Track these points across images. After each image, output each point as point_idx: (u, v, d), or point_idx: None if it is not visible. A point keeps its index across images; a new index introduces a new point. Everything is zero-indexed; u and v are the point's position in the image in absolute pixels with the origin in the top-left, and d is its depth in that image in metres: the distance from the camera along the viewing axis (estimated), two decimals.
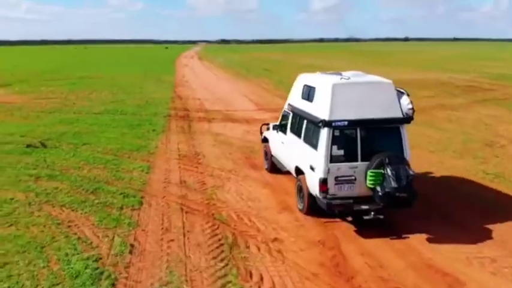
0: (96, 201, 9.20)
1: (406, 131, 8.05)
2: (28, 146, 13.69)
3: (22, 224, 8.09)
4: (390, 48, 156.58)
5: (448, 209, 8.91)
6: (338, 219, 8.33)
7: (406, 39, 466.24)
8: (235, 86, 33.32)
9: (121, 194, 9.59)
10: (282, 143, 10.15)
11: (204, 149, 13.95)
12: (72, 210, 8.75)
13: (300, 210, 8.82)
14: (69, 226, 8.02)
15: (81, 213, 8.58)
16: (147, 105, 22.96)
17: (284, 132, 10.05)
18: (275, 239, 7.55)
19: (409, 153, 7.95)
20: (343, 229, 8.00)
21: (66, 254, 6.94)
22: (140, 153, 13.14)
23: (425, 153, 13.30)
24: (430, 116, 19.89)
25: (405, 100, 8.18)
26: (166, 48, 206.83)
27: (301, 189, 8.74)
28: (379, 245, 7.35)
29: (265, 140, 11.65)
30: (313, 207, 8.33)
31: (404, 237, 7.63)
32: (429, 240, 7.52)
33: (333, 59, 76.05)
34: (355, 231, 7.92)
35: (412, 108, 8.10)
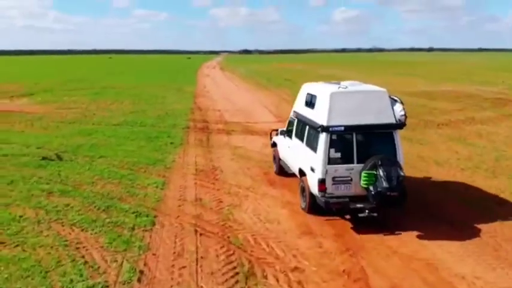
0: (108, 220, 8.78)
1: (399, 135, 8.80)
2: (43, 158, 13.47)
3: (29, 245, 7.71)
4: (414, 58, 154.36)
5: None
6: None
7: (431, 50, 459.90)
8: (255, 97, 32.90)
9: (134, 212, 9.15)
10: (288, 147, 10.93)
11: (222, 163, 13.47)
12: (82, 230, 8.34)
13: (302, 209, 9.50)
14: (77, 248, 7.59)
15: (91, 234, 8.16)
16: (167, 117, 22.69)
17: (290, 137, 10.82)
18: (295, 268, 6.94)
19: (402, 157, 8.68)
20: (371, 258, 7.33)
21: (71, 281, 6.50)
22: (156, 168, 12.73)
23: (456, 172, 12.50)
24: (459, 130, 19.00)
25: (398, 107, 8.91)
26: (189, 58, 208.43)
27: (303, 190, 9.44)
28: (408, 277, 6.66)
29: (274, 145, 12.47)
30: (314, 206, 9.04)
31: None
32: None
33: (355, 69, 75.14)
34: (382, 259, 7.25)
35: (405, 115, 8.82)
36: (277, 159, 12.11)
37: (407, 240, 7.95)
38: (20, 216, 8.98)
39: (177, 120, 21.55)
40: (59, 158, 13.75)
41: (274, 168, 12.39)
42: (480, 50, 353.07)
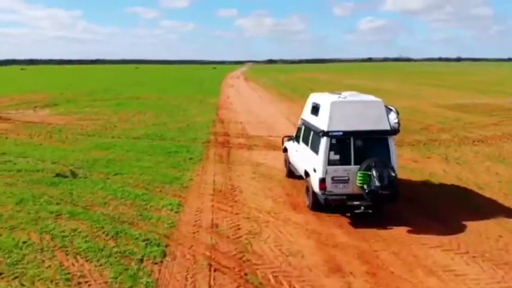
0: (115, 249, 8.05)
1: (393, 141, 9.74)
2: (57, 175, 12.96)
3: (28, 277, 7.04)
4: (442, 68, 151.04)
5: None
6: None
7: (459, 59, 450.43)
8: (278, 108, 32.08)
9: (144, 240, 8.40)
10: (296, 151, 12.01)
11: (242, 182, 12.66)
12: (87, 261, 7.63)
13: (307, 206, 10.43)
14: (78, 283, 6.88)
15: (96, 266, 7.43)
16: (188, 129, 22.10)
17: (298, 142, 11.88)
18: None
19: (395, 160, 9.61)
20: None
21: None
22: (173, 187, 12.01)
23: (499, 197, 11.30)
24: (497, 147, 17.67)
25: (392, 116, 9.86)
26: (214, 68, 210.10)
27: (308, 189, 10.47)
28: None
29: (285, 150, 13.56)
30: (317, 204, 9.96)
31: None
32: None
33: (382, 80, 73.56)
34: None
35: (398, 123, 9.81)
36: (287, 163, 13.20)
37: None
38: (24, 242, 8.36)
39: (198, 133, 20.91)
40: (73, 174, 13.21)
41: (285, 171, 13.42)
42: (510, 59, 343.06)
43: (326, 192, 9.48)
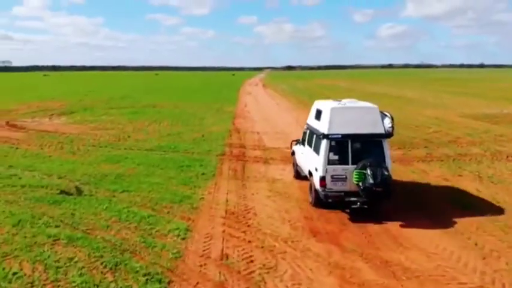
0: (113, 285, 7.19)
1: (388, 144, 10.72)
2: (61, 192, 12.24)
3: None
4: (464, 75, 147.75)
5: None
6: None
7: (482, 66, 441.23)
8: (296, 117, 31.05)
9: (145, 275, 7.51)
10: (302, 153, 13.03)
11: (257, 202, 11.71)
12: None
13: (310, 203, 11.38)
14: None
15: None
16: (202, 141, 21.30)
17: (303, 145, 12.90)
18: None
19: (389, 161, 10.48)
20: None
21: None
22: (182, 207, 11.13)
23: None
24: None
25: (387, 121, 10.70)
26: (233, 75, 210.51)
27: (311, 187, 11.43)
28: None
29: (293, 153, 14.58)
30: (319, 200, 10.83)
31: None
32: None
33: (403, 87, 71.85)
34: None
35: (392, 127, 10.65)
36: (295, 165, 14.26)
37: None
38: (14, 274, 7.58)
39: (213, 144, 20.08)
40: (79, 191, 12.47)
41: (293, 172, 14.45)
42: None
43: (326, 189, 10.50)
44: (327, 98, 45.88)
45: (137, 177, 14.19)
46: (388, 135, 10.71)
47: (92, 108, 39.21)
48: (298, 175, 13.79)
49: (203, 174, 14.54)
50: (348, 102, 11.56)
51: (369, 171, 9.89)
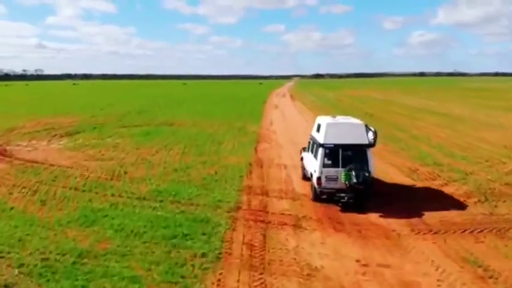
0: None
1: (371, 152, 13.82)
2: None
3: None
4: (502, 85, 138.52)
5: None
6: None
7: None
8: None
9: None
10: (306, 158, 16.41)
11: None
12: None
13: (310, 199, 14.21)
14: None
15: None
16: (214, 182, 16.74)
17: (307, 151, 16.33)
18: None
19: (373, 165, 13.59)
20: None
21: None
22: None
23: None
24: None
25: (370, 134, 13.87)
26: (261, 84, 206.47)
27: (312, 185, 14.31)
28: None
29: (302, 159, 17.55)
30: (316, 196, 13.85)
31: None
32: None
33: (444, 100, 65.59)
34: None
35: (374, 139, 13.73)
36: (302, 169, 16.98)
37: None
38: None
39: (226, 189, 15.48)
40: None
41: (301, 174, 17.18)
42: None
43: (321, 187, 13.54)
44: (365, 115, 39.87)
45: (105, 260, 9.63)
46: (371, 145, 13.65)
47: (102, 127, 35.44)
48: (304, 176, 16.59)
49: (203, 255, 9.84)
50: (341, 118, 15.41)
51: (353, 173, 12.78)
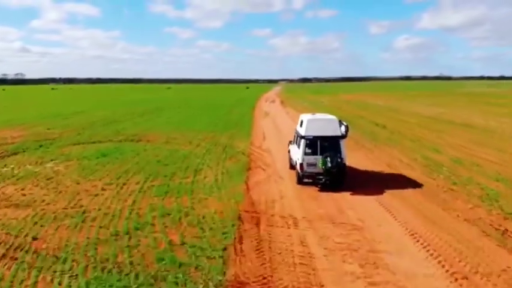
0: None
1: (344, 142, 16.35)
2: None
3: None
4: (496, 88, 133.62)
5: None
6: None
7: (502, 78, 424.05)
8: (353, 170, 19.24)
9: None
10: (292, 150, 18.87)
11: None
12: None
13: (295, 182, 16.87)
14: None
15: None
16: (176, 270, 9.52)
17: (293, 143, 19.03)
18: None
19: (345, 153, 16.11)
20: None
21: None
22: None
23: None
24: None
25: (343, 128, 16.56)
26: (248, 88, 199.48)
27: (296, 172, 16.94)
28: None
29: (289, 151, 19.95)
30: (299, 179, 16.55)
31: None
32: None
33: (453, 106, 59.30)
34: None
35: (346, 132, 16.57)
36: (290, 158, 19.41)
37: None
38: None
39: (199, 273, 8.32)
40: None
41: (288, 164, 19.67)
42: None
43: (304, 171, 16.22)
44: (377, 126, 36.90)
45: None
46: (343, 136, 16.45)
47: (51, 144, 28.06)
48: (292, 166, 18.76)
49: None
50: (319, 115, 18.72)
51: (328, 159, 15.62)
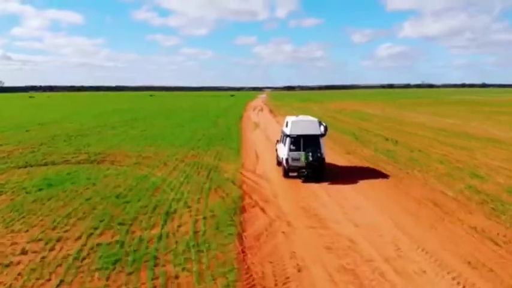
0: None
1: (323, 140, 18.89)
2: None
3: None
4: (485, 96, 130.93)
5: None
6: None
7: (484, 85, 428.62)
8: (386, 216, 13.82)
9: None
10: (279, 148, 21.22)
11: None
12: None
13: (282, 176, 19.07)
14: None
15: None
16: None
17: (280, 142, 21.19)
18: None
19: (324, 149, 18.64)
20: None
21: None
22: None
23: None
24: None
25: (322, 128, 18.99)
26: (233, 96, 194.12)
27: (283, 166, 19.15)
28: None
29: (276, 150, 22.12)
30: (285, 173, 18.84)
31: None
32: None
33: (460, 117, 54.70)
34: None
35: (325, 131, 19.09)
36: (277, 156, 21.58)
37: None
38: None
39: None
40: None
41: (275, 161, 22.03)
42: None
43: (289, 165, 18.50)
44: (384, 139, 30.96)
45: None
46: (323, 135, 18.89)
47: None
48: (279, 162, 20.84)
49: None
50: (301, 117, 20.86)
51: (310, 154, 17.94)
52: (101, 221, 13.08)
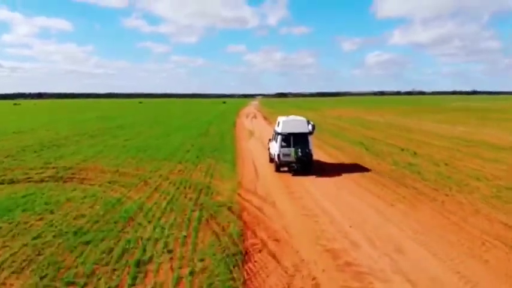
0: None
1: (311, 138, 20.75)
2: None
3: None
4: (482, 103, 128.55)
5: None
6: None
7: (474, 93, 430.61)
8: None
9: None
10: (271, 145, 22.89)
11: None
12: None
13: (274, 170, 20.95)
14: None
15: None
16: None
17: (272, 140, 22.94)
18: None
19: (312, 145, 20.61)
20: None
21: None
22: None
23: None
24: None
25: (310, 126, 20.74)
26: (224, 102, 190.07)
27: (275, 162, 21.04)
28: None
29: (269, 148, 23.96)
30: (277, 167, 20.74)
31: None
32: None
33: (473, 125, 51.28)
34: None
35: (313, 129, 20.84)
36: (269, 153, 23.47)
37: None
38: None
39: None
40: None
41: (268, 158, 23.73)
42: None
43: (280, 160, 20.32)
44: (400, 150, 28.86)
45: None
46: (311, 133, 20.67)
47: None
48: (271, 160, 22.70)
49: None
50: (292, 117, 22.41)
51: (299, 150, 19.92)
52: (42, 278, 9.02)
